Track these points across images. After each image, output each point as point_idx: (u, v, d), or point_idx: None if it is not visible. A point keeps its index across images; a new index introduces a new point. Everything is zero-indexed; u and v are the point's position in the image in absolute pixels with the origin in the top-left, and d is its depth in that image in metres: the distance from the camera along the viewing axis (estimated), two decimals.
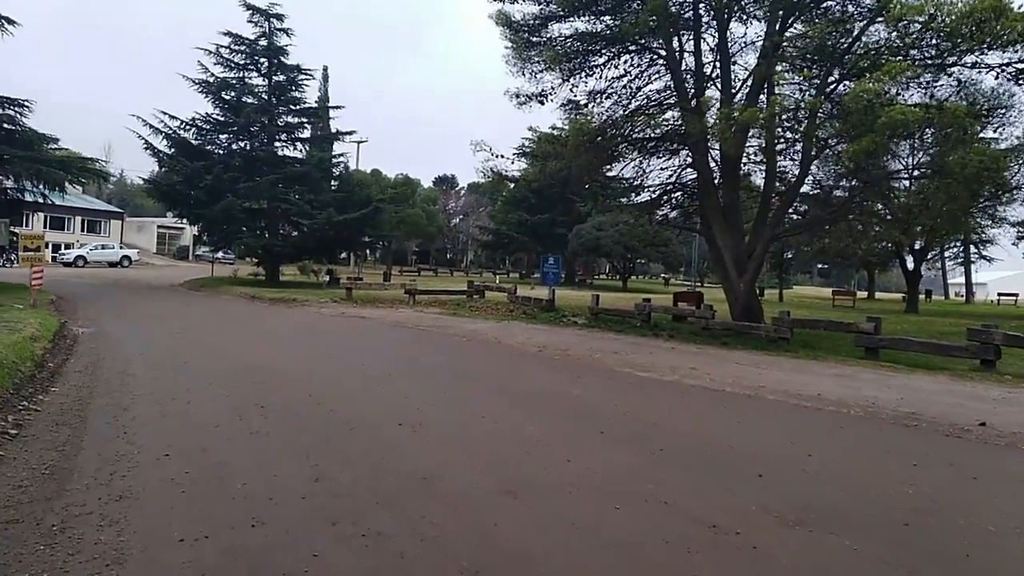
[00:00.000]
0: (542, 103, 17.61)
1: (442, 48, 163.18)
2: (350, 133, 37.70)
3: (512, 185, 66.85)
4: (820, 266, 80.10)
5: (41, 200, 25.49)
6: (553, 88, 17.53)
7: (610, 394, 8.84)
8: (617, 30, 16.49)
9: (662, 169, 19.86)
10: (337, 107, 37.98)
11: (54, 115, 36.74)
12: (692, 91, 17.46)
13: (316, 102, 41.29)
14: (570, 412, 7.59)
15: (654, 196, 19.10)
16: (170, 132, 32.59)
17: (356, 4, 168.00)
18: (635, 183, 20.57)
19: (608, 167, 21.43)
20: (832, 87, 15.58)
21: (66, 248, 51.56)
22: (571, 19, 17.12)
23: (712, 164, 17.31)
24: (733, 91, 16.82)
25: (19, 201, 25.48)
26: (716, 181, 17.34)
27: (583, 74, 17.27)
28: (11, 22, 23.65)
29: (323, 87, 61.17)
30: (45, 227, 53.25)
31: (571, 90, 17.48)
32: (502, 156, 19.44)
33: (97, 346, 11.95)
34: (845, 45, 15.18)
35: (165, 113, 32.41)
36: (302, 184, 34.79)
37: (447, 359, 12.11)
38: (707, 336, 16.24)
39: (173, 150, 33.12)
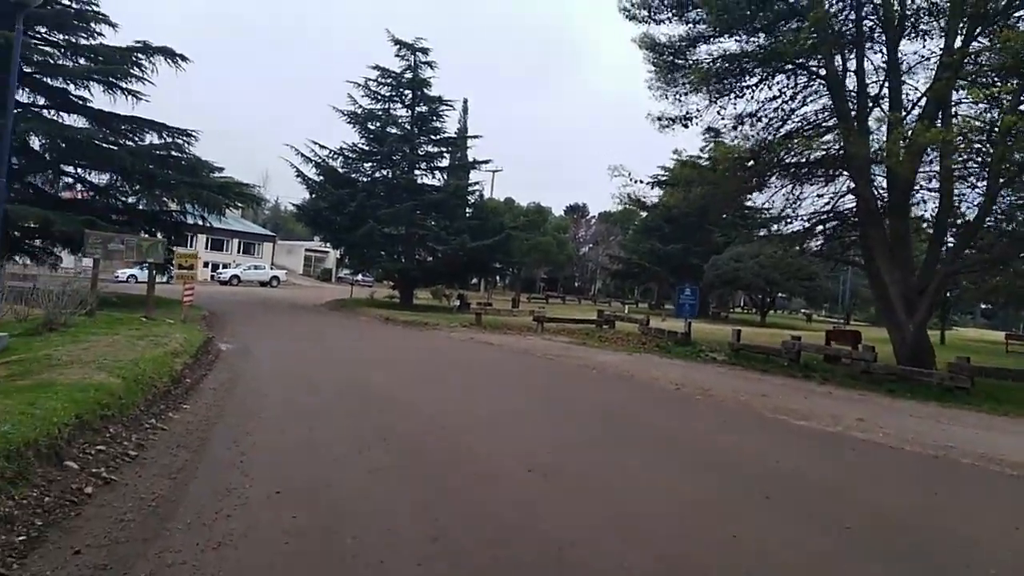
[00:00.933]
0: (686, 126, 16.69)
1: (574, 79, 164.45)
2: (486, 162, 38.40)
3: (644, 214, 65.51)
4: (984, 306, 72.57)
5: (201, 222, 27.35)
6: (699, 111, 16.59)
7: (766, 446, 7.77)
8: (771, 49, 15.38)
9: (818, 196, 18.22)
10: (475, 136, 38.67)
11: (217, 144, 40.06)
12: (854, 112, 15.95)
13: (456, 132, 42.22)
14: (723, 467, 6.63)
15: (807, 226, 17.51)
16: (319, 161, 34.35)
17: (492, 37, 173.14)
18: (783, 212, 19.04)
19: (752, 195, 20.09)
20: None
21: (224, 267, 55.65)
22: (720, 39, 16.17)
23: (874, 192, 15.64)
24: (904, 112, 15.15)
25: (182, 223, 27.48)
26: (881, 210, 15.62)
27: (731, 96, 16.19)
28: (184, 59, 25.74)
29: (462, 118, 62.72)
30: (206, 248, 57.87)
31: (718, 112, 16.46)
32: (640, 181, 18.63)
33: (236, 363, 12.23)
34: None
35: (316, 143, 34.26)
36: (438, 211, 35.53)
37: (577, 393, 11.39)
38: (867, 381, 14.50)
39: (321, 178, 34.85)
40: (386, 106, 36.08)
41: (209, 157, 26.95)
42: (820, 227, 17.82)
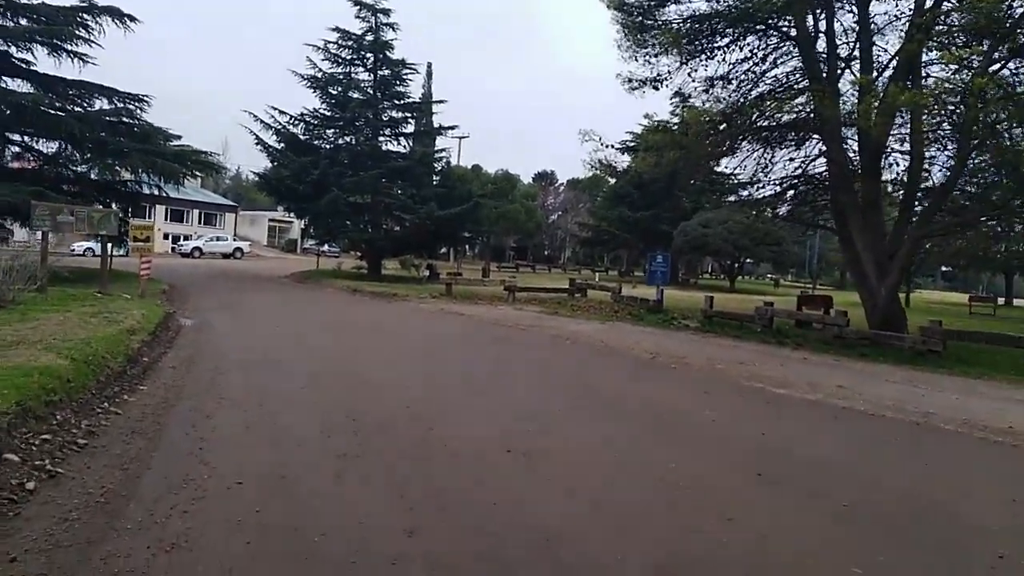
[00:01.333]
0: (657, 88, 16.32)
1: (541, 46, 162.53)
2: (453, 128, 37.44)
3: (613, 181, 65.23)
4: (944, 269, 74.29)
5: (157, 192, 26.35)
6: (670, 72, 16.23)
7: (750, 418, 7.59)
8: (742, 9, 15.04)
9: (789, 160, 18.07)
10: (440, 101, 37.58)
11: (172, 110, 38.55)
12: (825, 74, 15.74)
13: (420, 98, 41.25)
14: (709, 441, 6.43)
15: (777, 190, 17.37)
16: (280, 128, 33.26)
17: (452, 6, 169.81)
18: (754, 177, 18.90)
19: (723, 160, 19.90)
20: (998, 67, 13.54)
21: (184, 239, 54.20)
22: None
23: (846, 155, 15.52)
24: (876, 74, 14.99)
25: (138, 193, 26.44)
26: (853, 173, 15.50)
27: (703, 57, 15.85)
28: (132, 19, 24.51)
29: (427, 83, 61.40)
30: (166, 219, 56.38)
31: (689, 75, 16.12)
32: (610, 146, 18.27)
33: (197, 339, 11.76)
34: (1015, 18, 13.12)
35: (275, 109, 33.10)
36: (405, 179, 34.79)
37: (552, 365, 11.15)
38: (840, 346, 14.53)
39: (282, 145, 33.81)
40: (347, 70, 34.98)
41: (164, 125, 25.98)
42: (791, 192, 17.70)
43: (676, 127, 15.44)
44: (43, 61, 23.74)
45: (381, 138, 35.79)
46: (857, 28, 15.48)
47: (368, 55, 34.68)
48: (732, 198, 52.50)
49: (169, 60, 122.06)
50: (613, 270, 63.97)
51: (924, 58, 15.01)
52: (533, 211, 67.33)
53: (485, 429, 6.37)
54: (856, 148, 15.70)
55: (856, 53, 16.09)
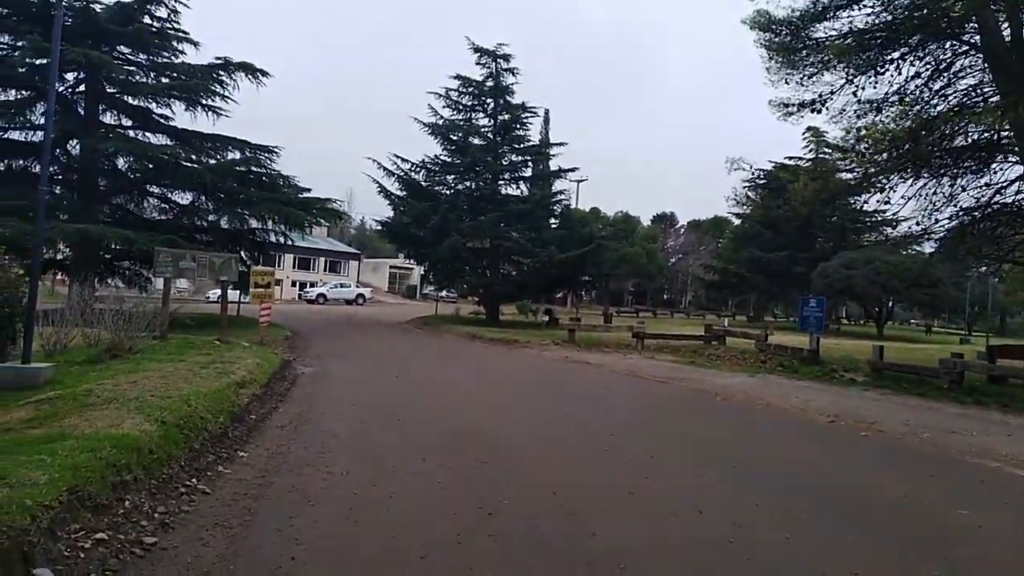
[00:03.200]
0: (817, 111, 14.31)
1: (641, 107, 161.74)
2: (572, 170, 36.21)
3: (738, 222, 61.98)
4: None
5: (284, 240, 26.65)
6: (832, 93, 14.17)
7: (1008, 519, 5.52)
8: (915, 17, 12.95)
9: (960, 188, 15.37)
10: (560, 144, 36.40)
11: (301, 164, 39.86)
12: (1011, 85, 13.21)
13: (538, 142, 40.68)
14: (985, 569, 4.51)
15: (965, 222, 14.67)
16: (402, 174, 33.35)
17: (575, 48, 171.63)
18: (927, 209, 16.22)
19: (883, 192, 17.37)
20: None
21: (310, 286, 55.92)
22: (854, 7, 13.78)
23: None
24: None
25: (265, 241, 26.88)
26: None
27: (871, 74, 13.71)
28: (265, 74, 25.20)
29: (544, 129, 61.16)
30: (293, 267, 58.51)
31: (854, 94, 13.98)
32: (761, 172, 16.25)
33: (313, 391, 10.84)
34: None
35: (398, 156, 33.25)
36: (523, 222, 33.86)
37: (710, 430, 9.28)
38: None
39: (404, 192, 33.86)
40: (468, 116, 34.84)
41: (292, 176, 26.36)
42: (979, 225, 14.98)
43: (842, 152, 13.27)
44: (180, 115, 24.79)
45: (500, 182, 35.25)
46: None
47: (488, 100, 34.42)
48: (876, 235, 48.38)
49: (298, 110, 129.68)
50: (740, 315, 60.23)
51: None
52: (654, 253, 64.97)
53: (663, 535, 4.74)
54: None
55: None
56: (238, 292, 25.50)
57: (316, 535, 4.40)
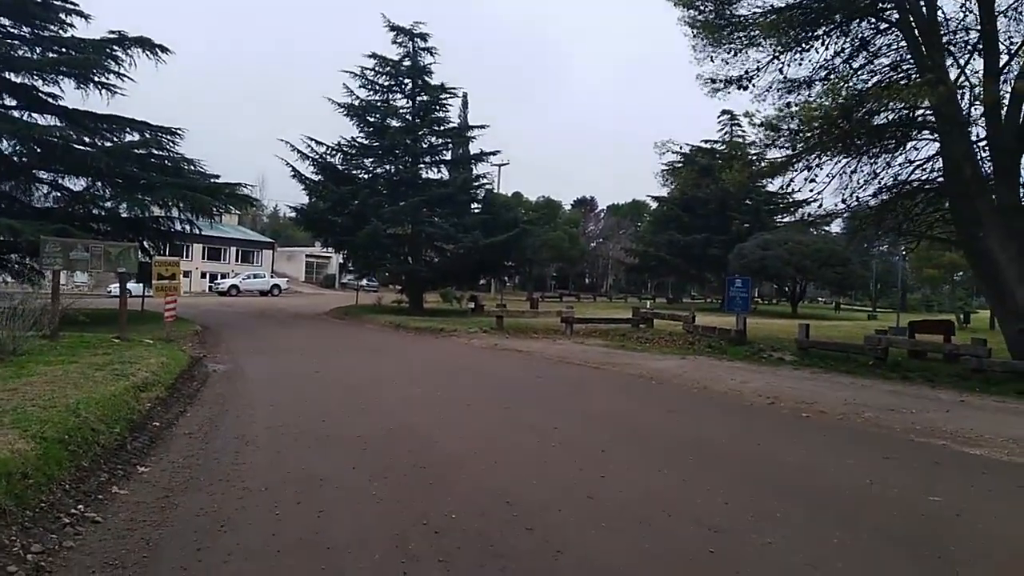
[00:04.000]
0: (744, 88, 14.18)
1: (572, 78, 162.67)
2: (494, 153, 35.37)
3: (655, 206, 62.90)
4: None
5: (189, 228, 24.90)
6: (759, 70, 14.05)
7: (971, 503, 5.29)
8: None
9: (908, 163, 15.49)
10: (481, 126, 35.43)
11: (208, 149, 37.54)
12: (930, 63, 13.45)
13: (458, 124, 39.74)
14: (961, 558, 4.21)
15: (885, 199, 14.87)
16: (317, 158, 31.86)
17: (487, 35, 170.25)
18: (849, 188, 16.41)
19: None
20: None
21: (222, 277, 53.33)
22: None
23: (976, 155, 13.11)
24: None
25: (171, 231, 25.05)
26: (984, 176, 13.06)
27: (797, 51, 13.65)
28: (164, 50, 23.37)
29: (463, 113, 60.17)
30: (203, 258, 55.72)
31: (781, 71, 13.91)
32: (682, 151, 16.03)
33: (226, 391, 9.90)
34: None
35: (312, 139, 31.71)
36: (446, 207, 32.98)
37: (650, 417, 8.93)
38: (983, 382, 12.05)
39: (320, 176, 32.41)
40: (385, 97, 33.65)
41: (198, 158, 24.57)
42: (897, 203, 15.25)
43: (774, 130, 13.14)
44: (71, 95, 22.72)
45: (420, 166, 34.30)
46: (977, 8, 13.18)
47: (406, 81, 33.38)
48: (790, 217, 49.89)
49: (203, 98, 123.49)
50: (660, 297, 61.36)
51: None
52: (576, 238, 65.19)
53: (636, 547, 4.24)
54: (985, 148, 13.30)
55: (967, 38, 13.83)
56: (142, 285, 23.80)
57: (231, 574, 3.67)
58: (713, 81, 14.45)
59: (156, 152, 23.33)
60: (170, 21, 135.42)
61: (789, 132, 12.72)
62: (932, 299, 66.98)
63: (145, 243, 24.56)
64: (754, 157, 13.71)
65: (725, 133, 48.21)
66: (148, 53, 23.07)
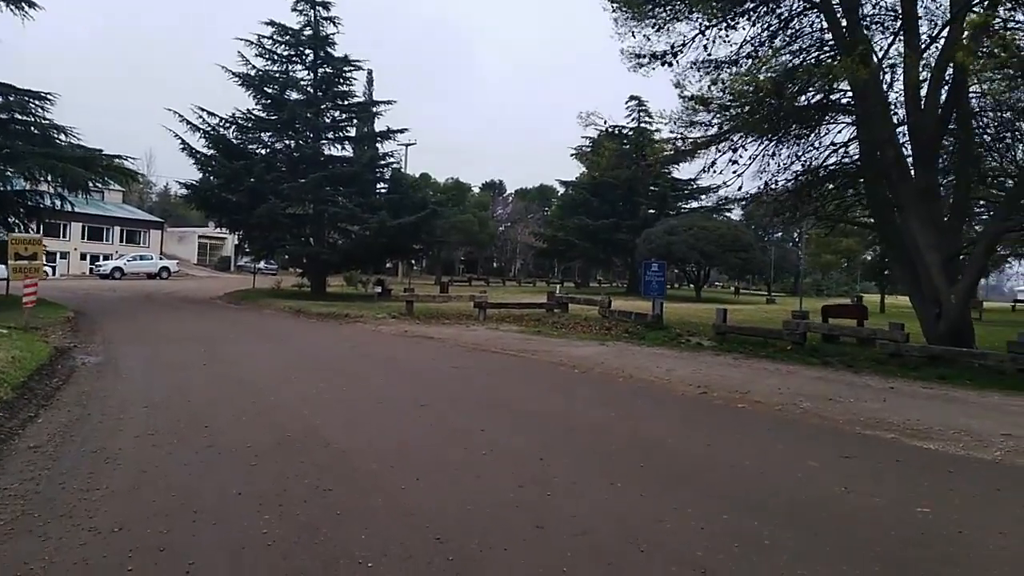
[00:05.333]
0: (669, 64, 13.58)
1: (465, 77, 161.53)
2: (402, 131, 33.40)
3: (562, 190, 62.85)
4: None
5: (61, 204, 22.26)
6: (684, 45, 13.48)
7: (982, 514, 4.74)
8: None
9: (832, 145, 15.35)
10: (388, 102, 33.47)
11: (88, 121, 34.10)
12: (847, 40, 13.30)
13: (363, 100, 37.87)
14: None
15: (803, 181, 14.69)
16: (209, 130, 29.41)
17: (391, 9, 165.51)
18: (765, 172, 16.22)
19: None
20: None
21: (104, 259, 49.22)
22: None
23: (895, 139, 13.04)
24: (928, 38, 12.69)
25: (39, 206, 22.32)
26: (898, 161, 12.98)
27: (724, 26, 13.15)
28: (31, 4, 20.68)
29: (368, 91, 57.95)
30: (83, 238, 51.33)
31: (705, 47, 13.39)
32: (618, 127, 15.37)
33: (93, 389, 8.43)
34: None
35: (203, 110, 29.18)
36: (350, 186, 31.27)
37: (577, 410, 8.15)
38: (899, 366, 12.03)
39: (212, 150, 29.97)
40: (284, 67, 31.58)
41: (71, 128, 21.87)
42: (815, 186, 15.15)
43: (703, 104, 12.59)
44: None
45: (323, 142, 32.38)
46: None
47: (307, 51, 31.38)
48: (694, 202, 50.91)
49: (87, 64, 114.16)
50: (568, 282, 61.49)
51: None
52: (486, 221, 64.24)
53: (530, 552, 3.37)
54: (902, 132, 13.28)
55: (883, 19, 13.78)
56: (4, 267, 21.08)
57: None
58: (638, 56, 13.81)
59: (20, 118, 20.66)
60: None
61: (718, 107, 12.22)
62: (821, 284, 70.44)
63: (10, 220, 21.85)
64: (677, 136, 13.15)
65: (632, 119, 48.37)
66: (12, 7, 20.38)
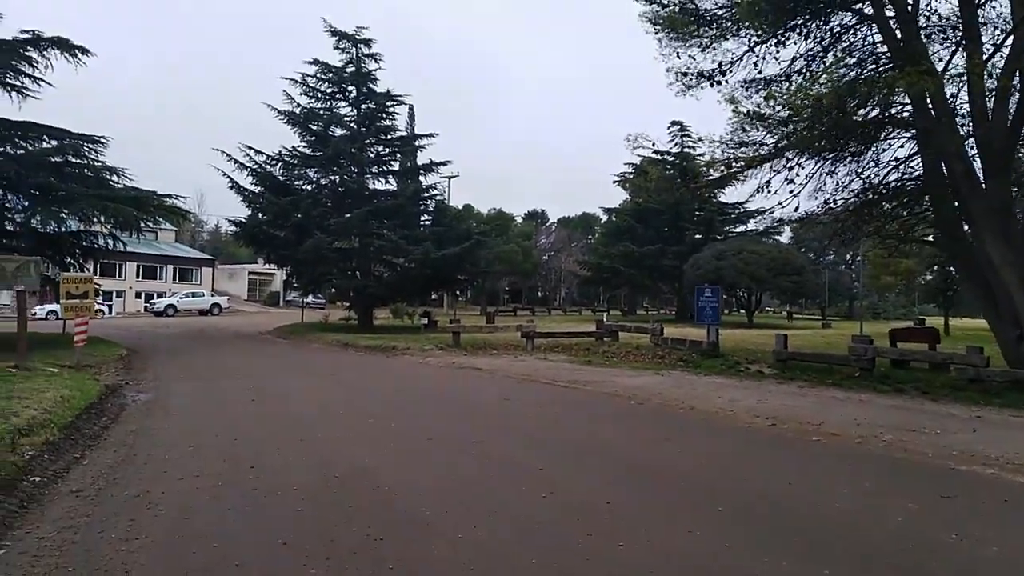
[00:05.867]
0: (718, 82, 13.18)
1: (507, 100, 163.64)
2: (445, 163, 33.48)
3: (605, 218, 62.34)
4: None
5: (113, 244, 22.76)
6: (732, 62, 13.08)
7: None
8: None
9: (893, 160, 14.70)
10: (430, 135, 33.64)
11: (140, 163, 35.21)
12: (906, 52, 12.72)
13: (405, 134, 38.19)
14: None
15: (862, 200, 14.03)
16: (256, 168, 29.96)
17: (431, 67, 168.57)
18: (821, 193, 15.53)
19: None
20: None
21: (158, 297, 50.46)
22: None
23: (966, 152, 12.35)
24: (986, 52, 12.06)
25: (94, 247, 22.87)
26: (968, 175, 12.26)
27: (774, 41, 12.71)
28: (84, 51, 21.36)
29: (409, 125, 58.67)
30: (137, 276, 52.80)
31: (755, 64, 12.97)
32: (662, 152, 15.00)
33: (140, 428, 8.27)
34: None
35: (251, 148, 29.74)
36: (395, 218, 31.39)
37: (657, 456, 7.58)
38: (979, 392, 11.20)
39: (259, 187, 30.48)
40: (328, 104, 32.03)
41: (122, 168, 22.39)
42: (875, 203, 14.47)
43: (760, 120, 12.13)
44: None
45: (367, 176, 32.66)
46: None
47: (350, 88, 31.86)
48: (743, 226, 49.87)
49: (145, 111, 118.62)
50: (613, 310, 60.69)
51: None
52: (529, 250, 64.03)
53: None
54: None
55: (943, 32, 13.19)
56: (50, 306, 21.51)
57: None
58: (685, 75, 13.41)
59: (74, 161, 21.24)
60: (116, 33, 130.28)
61: (776, 123, 11.73)
62: (878, 307, 68.20)
63: (67, 260, 22.42)
64: (729, 157, 12.67)
65: (675, 144, 47.83)
66: (67, 55, 21.09)
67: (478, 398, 11.53)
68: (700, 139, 13.60)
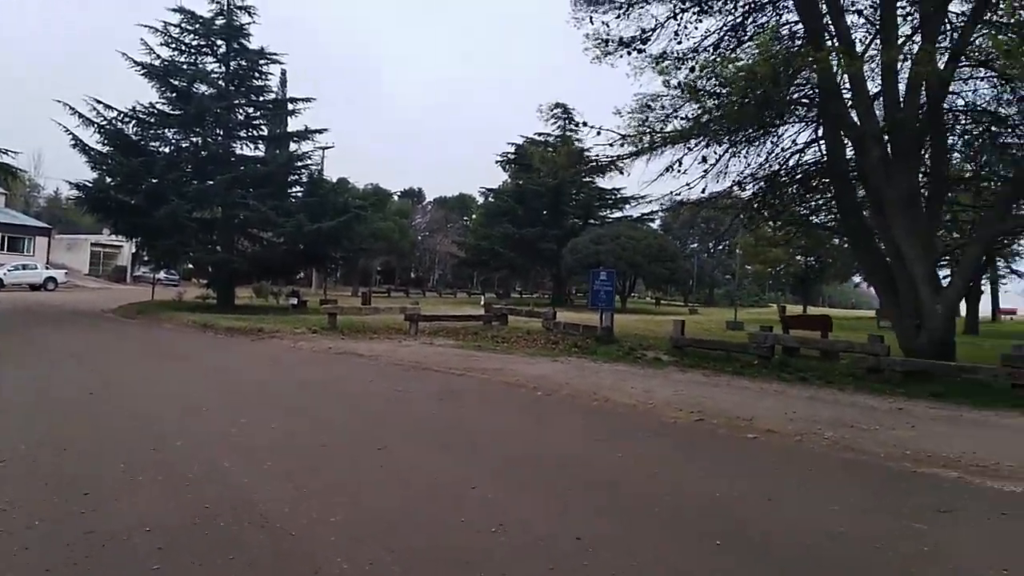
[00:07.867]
0: (640, 51, 12.40)
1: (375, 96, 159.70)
2: (321, 131, 30.90)
3: (481, 200, 61.52)
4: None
5: None
6: (656, 28, 12.32)
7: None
8: None
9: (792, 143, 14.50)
10: (306, 99, 30.89)
11: None
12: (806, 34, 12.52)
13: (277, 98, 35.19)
14: None
15: (767, 184, 13.79)
16: (105, 124, 26.18)
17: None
18: (712, 176, 15.23)
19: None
20: None
21: None
22: None
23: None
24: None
25: None
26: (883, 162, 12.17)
27: (696, 9, 12.04)
28: None
29: (281, 91, 54.75)
30: None
31: (676, 33, 12.28)
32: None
33: None
34: None
35: (99, 102, 25.91)
36: (263, 188, 28.58)
37: (600, 460, 6.51)
38: (880, 381, 11.19)
39: (108, 147, 26.70)
40: (193, 59, 28.65)
41: None
42: (779, 188, 14.31)
43: (691, 92, 11.37)
44: None
45: (234, 141, 29.63)
46: None
47: (219, 42, 28.64)
48: (619, 213, 50.54)
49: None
50: (488, 292, 60.07)
51: None
52: (406, 229, 61.91)
53: None
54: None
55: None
56: None
57: None
58: (605, 43, 12.46)
59: None
60: None
61: (706, 94, 11.00)
62: (735, 294, 72.04)
63: None
64: (655, 132, 11.90)
65: (558, 126, 47.61)
66: None
67: (367, 389, 10.15)
68: (613, 111, 12.72)
